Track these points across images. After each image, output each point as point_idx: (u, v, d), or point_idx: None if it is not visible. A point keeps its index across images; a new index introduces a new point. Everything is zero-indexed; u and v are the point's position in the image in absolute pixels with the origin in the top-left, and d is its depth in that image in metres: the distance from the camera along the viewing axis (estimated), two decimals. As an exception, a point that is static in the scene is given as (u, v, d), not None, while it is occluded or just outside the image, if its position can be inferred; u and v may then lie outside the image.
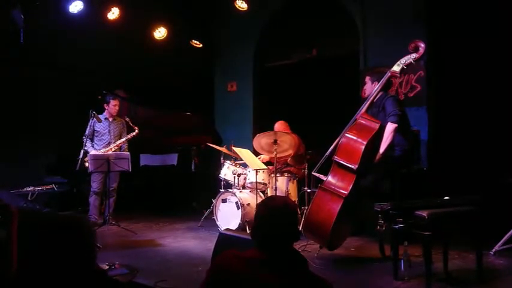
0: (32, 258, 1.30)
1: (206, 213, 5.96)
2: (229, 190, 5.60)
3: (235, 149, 5.76)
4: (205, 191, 6.80)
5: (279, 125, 5.94)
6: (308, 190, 5.29)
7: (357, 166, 3.90)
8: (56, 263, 1.31)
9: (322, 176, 4.28)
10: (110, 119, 5.94)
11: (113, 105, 5.93)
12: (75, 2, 5.98)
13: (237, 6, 6.92)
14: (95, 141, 5.86)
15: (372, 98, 4.38)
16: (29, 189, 5.41)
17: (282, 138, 5.39)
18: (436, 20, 5.77)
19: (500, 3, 5.17)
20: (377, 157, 4.14)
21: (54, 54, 6.77)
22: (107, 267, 3.68)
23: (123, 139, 5.90)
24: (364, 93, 4.60)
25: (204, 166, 7.36)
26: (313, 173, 4.61)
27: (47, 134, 6.94)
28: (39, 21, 5.76)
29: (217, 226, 5.50)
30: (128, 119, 5.91)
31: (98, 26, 6.51)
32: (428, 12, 5.82)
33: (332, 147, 4.32)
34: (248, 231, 4.99)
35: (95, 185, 5.79)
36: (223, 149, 6.13)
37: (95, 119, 5.63)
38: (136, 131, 5.85)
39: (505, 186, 4.38)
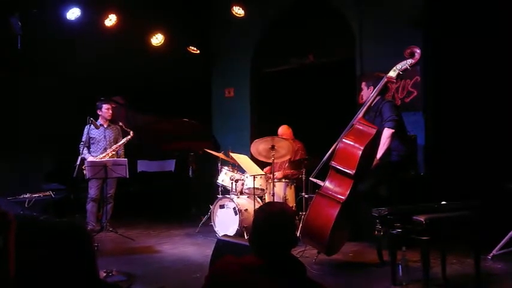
0: (31, 265, 1.30)
1: (204, 219, 5.95)
2: (227, 196, 5.59)
3: (233, 155, 5.77)
4: (203, 197, 6.79)
5: (282, 129, 5.96)
6: (306, 195, 5.29)
7: (354, 171, 3.91)
8: (55, 270, 1.31)
9: (319, 182, 4.29)
10: (105, 125, 5.94)
11: (105, 109, 5.92)
12: (72, 9, 6.00)
13: (234, 12, 6.96)
14: (92, 148, 5.85)
15: (368, 103, 4.40)
16: (26, 196, 5.39)
17: (280, 143, 5.40)
18: (432, 25, 5.81)
19: (497, 9, 5.20)
20: (374, 162, 4.15)
21: (52, 61, 6.77)
22: (105, 274, 3.67)
23: (119, 143, 5.90)
24: (362, 99, 4.62)
25: (202, 172, 7.35)
26: (310, 178, 4.61)
27: (45, 140, 6.92)
28: (37, 28, 5.76)
29: (215, 232, 5.49)
30: (121, 124, 5.91)
31: (96, 33, 6.52)
32: (425, 18, 5.86)
33: (329, 152, 4.33)
34: (246, 237, 4.98)
35: (92, 191, 5.77)
36: (220, 155, 6.13)
37: (92, 125, 5.62)
38: (131, 134, 5.85)
39: (502, 191, 4.39)
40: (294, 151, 5.75)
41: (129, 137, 5.87)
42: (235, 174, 5.79)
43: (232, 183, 5.72)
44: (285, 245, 1.80)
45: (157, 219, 6.82)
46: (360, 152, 3.93)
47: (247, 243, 2.03)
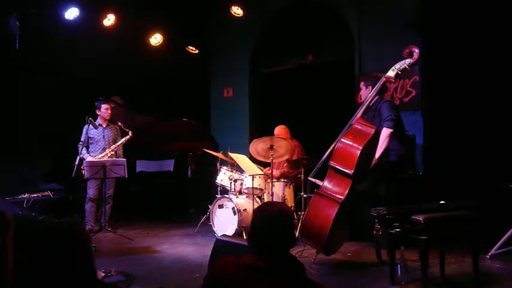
0: (29, 265, 1.30)
1: (203, 219, 5.96)
2: (226, 196, 5.59)
3: (232, 154, 5.77)
4: (202, 197, 6.79)
5: (278, 129, 5.96)
6: (304, 195, 5.29)
7: (353, 171, 3.91)
8: (54, 270, 1.31)
9: (318, 181, 4.29)
10: (104, 125, 5.94)
11: (104, 109, 5.93)
12: (70, 9, 5.99)
13: (232, 12, 6.97)
14: (91, 148, 5.84)
15: (367, 103, 4.40)
16: (25, 196, 5.37)
17: (278, 143, 5.40)
18: (431, 25, 5.82)
19: (496, 8, 5.21)
20: (373, 162, 4.15)
21: (52, 61, 6.76)
22: (103, 274, 3.66)
23: (118, 143, 5.89)
24: (360, 99, 4.63)
25: (201, 172, 7.36)
26: (309, 178, 4.61)
27: (44, 140, 6.91)
28: (35, 28, 5.75)
29: (213, 232, 5.49)
30: (120, 124, 5.91)
31: (94, 33, 6.51)
32: (424, 18, 5.87)
33: (328, 152, 4.33)
34: (245, 237, 4.98)
35: (91, 191, 5.77)
36: (219, 155, 6.13)
37: (91, 125, 5.62)
38: (130, 134, 5.85)
39: (500, 190, 4.40)
40: (292, 150, 5.75)
41: (128, 137, 5.87)
42: (234, 174, 5.80)
43: (231, 183, 5.72)
44: (283, 245, 1.80)
45: (156, 219, 6.82)
46: (359, 152, 3.93)
47: (246, 243, 2.03)
